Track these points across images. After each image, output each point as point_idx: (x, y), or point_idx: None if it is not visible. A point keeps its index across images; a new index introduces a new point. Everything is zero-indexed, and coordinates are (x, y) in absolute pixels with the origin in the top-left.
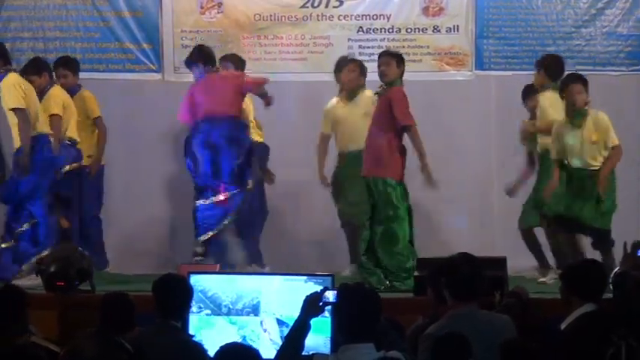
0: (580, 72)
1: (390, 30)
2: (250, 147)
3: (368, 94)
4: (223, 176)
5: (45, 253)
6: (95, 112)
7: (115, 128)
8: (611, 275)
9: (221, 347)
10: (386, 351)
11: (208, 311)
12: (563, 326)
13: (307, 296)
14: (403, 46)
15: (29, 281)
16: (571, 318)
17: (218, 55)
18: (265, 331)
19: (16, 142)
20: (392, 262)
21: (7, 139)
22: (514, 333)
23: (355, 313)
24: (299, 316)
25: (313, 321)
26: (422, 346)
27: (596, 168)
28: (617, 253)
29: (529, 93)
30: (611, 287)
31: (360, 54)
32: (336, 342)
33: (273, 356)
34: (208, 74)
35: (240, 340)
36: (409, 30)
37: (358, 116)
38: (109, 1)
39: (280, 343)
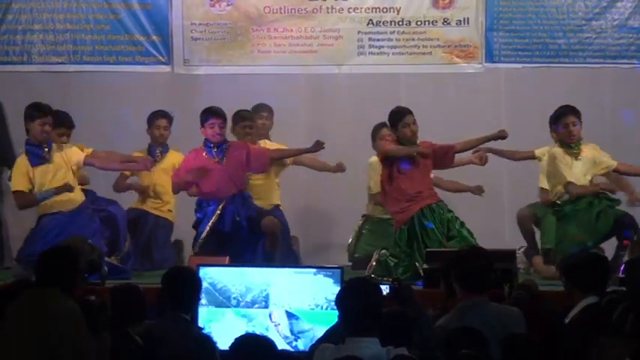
0: (591, 65)
1: (400, 23)
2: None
3: None
4: None
5: None
6: None
7: (124, 120)
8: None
9: (237, 338)
10: (394, 347)
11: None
12: (567, 320)
13: None
14: (413, 39)
15: None
16: (574, 311)
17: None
18: (274, 323)
19: None
20: None
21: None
22: (524, 325)
23: (355, 307)
24: None
25: (323, 314)
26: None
27: None
28: None
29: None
30: (621, 275)
31: (369, 46)
32: (341, 334)
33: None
34: None
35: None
36: (419, 22)
37: None
38: None
39: (289, 335)
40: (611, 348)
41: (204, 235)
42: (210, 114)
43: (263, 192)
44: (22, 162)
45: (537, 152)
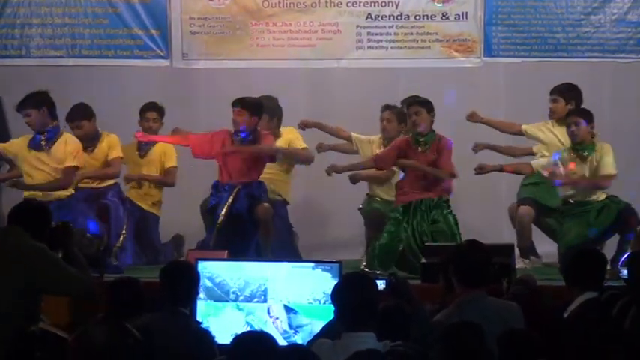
0: (589, 59)
1: (399, 17)
2: None
3: None
4: None
5: None
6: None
7: (122, 114)
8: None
9: (237, 335)
10: (391, 341)
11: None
12: (565, 314)
13: None
14: (412, 33)
15: None
16: (573, 305)
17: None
18: (272, 317)
19: None
20: None
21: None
22: (522, 320)
23: (352, 301)
24: None
25: (322, 308)
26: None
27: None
28: None
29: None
30: (620, 266)
31: (368, 41)
32: (337, 329)
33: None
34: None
35: (246, 327)
36: (418, 17)
37: None
38: None
39: (288, 329)
40: None
41: (221, 219)
42: (233, 102)
43: (277, 185)
44: (21, 139)
45: (524, 127)
